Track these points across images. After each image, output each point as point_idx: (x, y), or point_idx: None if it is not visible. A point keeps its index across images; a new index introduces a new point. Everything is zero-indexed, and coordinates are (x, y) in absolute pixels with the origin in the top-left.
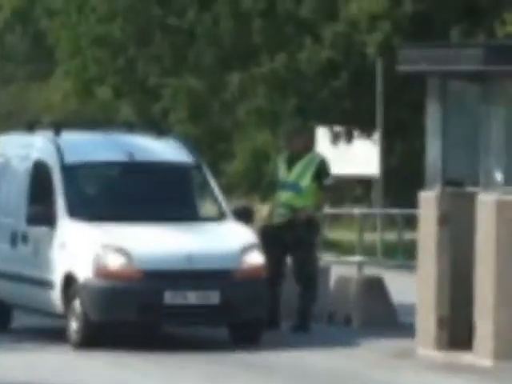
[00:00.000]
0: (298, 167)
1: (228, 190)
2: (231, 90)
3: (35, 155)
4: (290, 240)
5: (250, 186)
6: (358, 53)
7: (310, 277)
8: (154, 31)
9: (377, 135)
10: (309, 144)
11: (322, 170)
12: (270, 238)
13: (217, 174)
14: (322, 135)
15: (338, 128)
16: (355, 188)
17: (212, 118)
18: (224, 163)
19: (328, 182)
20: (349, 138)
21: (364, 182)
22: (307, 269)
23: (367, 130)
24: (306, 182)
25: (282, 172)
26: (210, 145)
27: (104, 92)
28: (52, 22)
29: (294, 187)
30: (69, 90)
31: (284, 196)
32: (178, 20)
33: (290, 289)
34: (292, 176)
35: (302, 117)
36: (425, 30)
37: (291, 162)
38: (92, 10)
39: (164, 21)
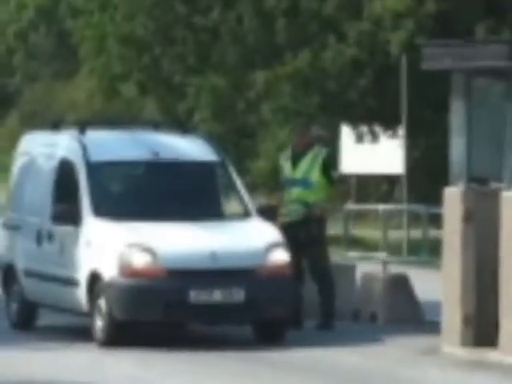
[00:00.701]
0: (303, 163)
1: (253, 188)
2: (256, 89)
3: (60, 154)
4: (303, 238)
5: (275, 185)
6: (382, 51)
7: (323, 274)
8: (179, 29)
9: (400, 132)
10: (310, 143)
11: (328, 163)
12: (286, 236)
13: (242, 172)
14: (347, 134)
15: (361, 127)
16: (381, 185)
17: (236, 116)
18: (249, 161)
19: (335, 175)
20: (373, 136)
21: (390, 180)
22: (319, 266)
23: (391, 128)
24: (316, 176)
25: (288, 170)
26: (235, 143)
27: (129, 90)
28: (76, 22)
29: (304, 183)
30: (94, 88)
31: (295, 193)
32: (203, 18)
33: (312, 287)
34: (299, 172)
35: (326, 115)
36: (448, 28)
37: (296, 159)
38: (115, 9)
39: (189, 19)
